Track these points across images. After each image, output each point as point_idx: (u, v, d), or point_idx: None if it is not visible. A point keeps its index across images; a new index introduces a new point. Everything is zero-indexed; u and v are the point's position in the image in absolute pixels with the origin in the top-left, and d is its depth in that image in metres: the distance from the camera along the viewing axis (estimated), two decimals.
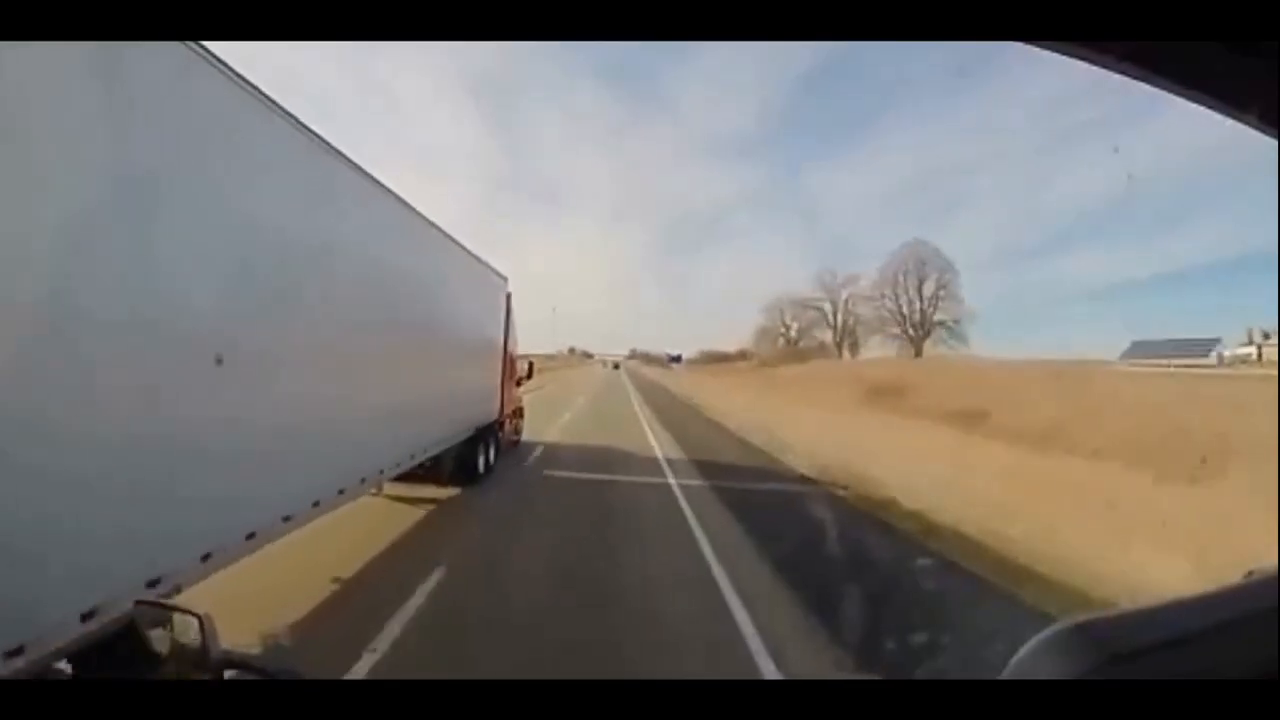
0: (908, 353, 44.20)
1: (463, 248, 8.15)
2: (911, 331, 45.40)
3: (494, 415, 9.92)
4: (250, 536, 3.53)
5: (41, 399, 2.29)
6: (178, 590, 2.98)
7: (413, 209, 6.27)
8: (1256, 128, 0.67)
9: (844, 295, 50.17)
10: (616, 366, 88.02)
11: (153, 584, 2.77)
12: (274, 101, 3.76)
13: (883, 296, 46.27)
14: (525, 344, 14.19)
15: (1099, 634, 0.50)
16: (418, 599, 5.07)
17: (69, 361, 2.41)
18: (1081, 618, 0.51)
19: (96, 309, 2.55)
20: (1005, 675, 0.51)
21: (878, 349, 47.30)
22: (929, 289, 44.99)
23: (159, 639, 1.22)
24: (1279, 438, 4.96)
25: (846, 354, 48.69)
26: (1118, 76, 0.68)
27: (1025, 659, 0.51)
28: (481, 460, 9.17)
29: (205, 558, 3.13)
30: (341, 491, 4.84)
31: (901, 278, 45.71)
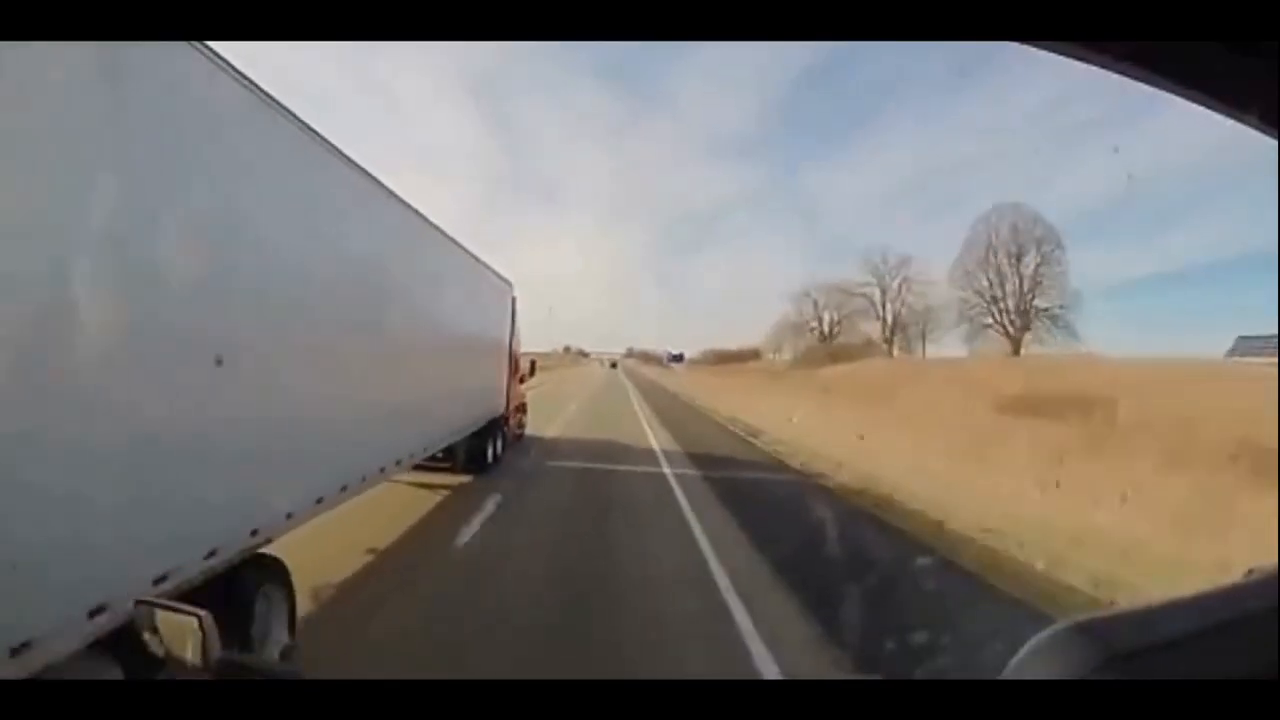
0: (992, 349, 32.73)
1: (475, 258, 9.05)
2: (1008, 322, 33.26)
3: (501, 410, 10.87)
4: (319, 501, 4.38)
5: (211, 396, 3.14)
6: (268, 541, 3.72)
7: (437, 228, 7.14)
8: (1257, 128, 0.67)
9: (897, 280, 40.00)
10: (614, 366, 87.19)
11: (254, 533, 3.56)
12: (340, 151, 4.58)
13: (965, 275, 34.43)
14: (522, 343, 14.51)
15: (1099, 634, 0.50)
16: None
17: (231, 362, 3.25)
18: (1081, 618, 0.51)
19: (244, 321, 3.43)
20: (1005, 675, 0.51)
21: (942, 346, 36.99)
22: (1028, 265, 33.01)
23: (158, 639, 1.21)
24: (1279, 438, 4.96)
25: (896, 350, 39.38)
26: (1118, 76, 0.69)
27: (1025, 659, 0.50)
28: (490, 451, 10.15)
29: (288, 516, 3.92)
30: (383, 469, 5.73)
31: (992, 254, 33.54)
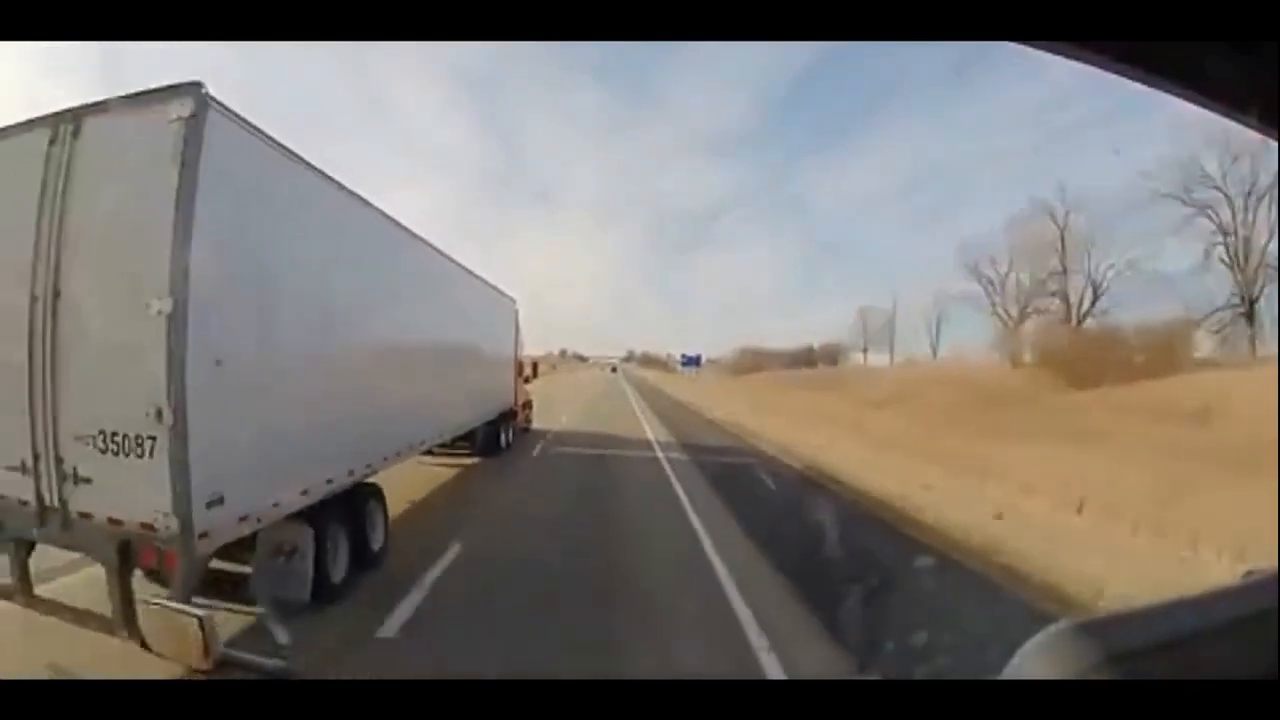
0: None
1: (489, 284, 11.78)
2: None
3: (510, 404, 13.49)
4: (398, 453, 6.74)
5: (367, 395, 5.87)
6: (375, 472, 5.93)
7: (465, 267, 9.86)
8: (1256, 128, 0.67)
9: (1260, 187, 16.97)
10: (614, 370, 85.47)
11: (368, 466, 5.72)
12: (433, 244, 8.19)
13: None
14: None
15: (1099, 634, 0.50)
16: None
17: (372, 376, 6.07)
18: (1081, 618, 0.51)
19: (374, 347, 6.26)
20: (1005, 675, 0.51)
21: None
22: None
23: (159, 639, 1.21)
24: (1279, 438, 4.95)
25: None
26: (1117, 76, 0.69)
27: (1025, 659, 0.50)
28: (503, 438, 12.79)
29: (385, 459, 6.22)
30: (441, 434, 8.49)
31: None
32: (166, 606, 1.23)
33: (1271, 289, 17.18)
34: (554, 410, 19.81)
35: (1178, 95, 0.68)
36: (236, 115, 3.76)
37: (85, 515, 3.52)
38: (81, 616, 3.58)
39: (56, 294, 3.52)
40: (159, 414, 3.30)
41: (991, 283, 23.65)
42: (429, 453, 8.93)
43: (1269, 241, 16.30)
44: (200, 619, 1.15)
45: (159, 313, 3.28)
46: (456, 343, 9.56)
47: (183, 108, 3.40)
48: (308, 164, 4.71)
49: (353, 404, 5.50)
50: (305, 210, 4.77)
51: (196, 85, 3.46)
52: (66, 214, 3.55)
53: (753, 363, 45.59)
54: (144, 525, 3.36)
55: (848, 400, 22.78)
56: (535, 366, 18.00)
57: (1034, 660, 0.50)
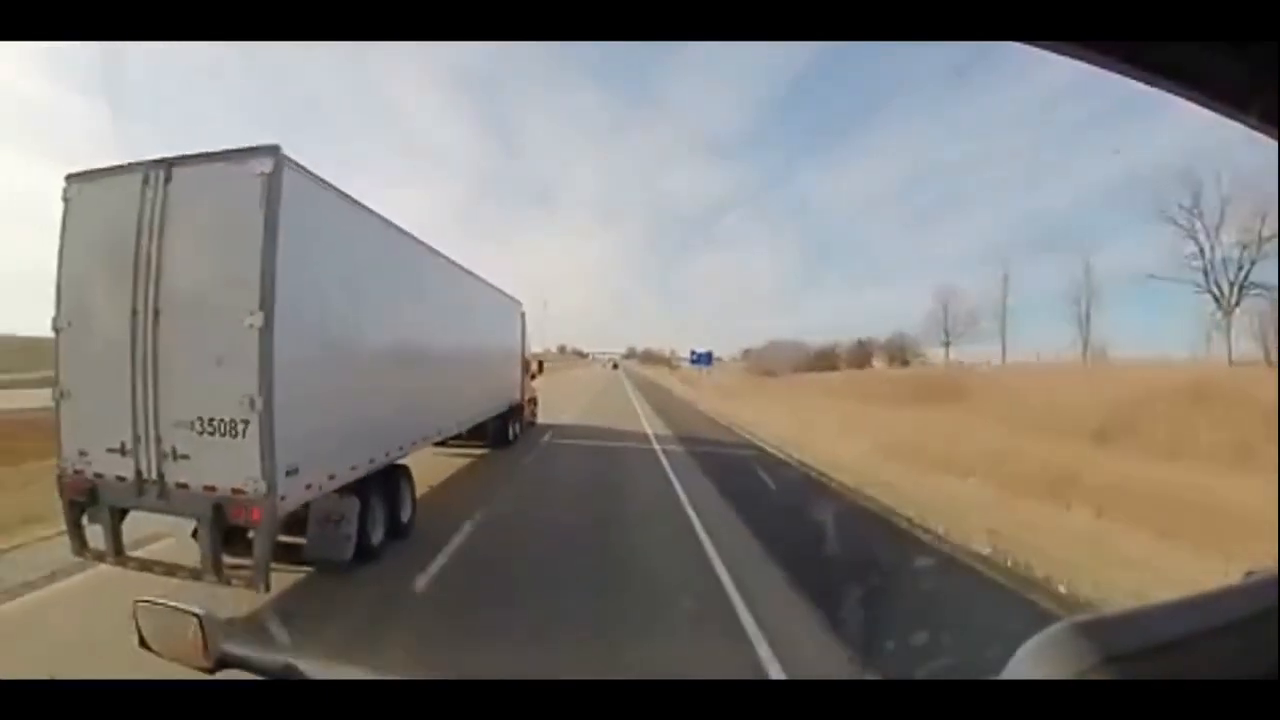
0: None
1: (499, 290, 13.06)
2: None
3: (518, 399, 14.80)
4: (425, 438, 7.96)
5: (401, 392, 6.96)
6: (406, 454, 7.05)
7: (480, 278, 11.27)
8: (1256, 128, 0.67)
9: None
10: (615, 367, 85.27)
11: (400, 448, 6.84)
12: (467, 269, 10.28)
13: None
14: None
15: (1099, 634, 0.50)
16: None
17: (407, 378, 7.33)
18: (1081, 618, 0.51)
19: (410, 354, 7.56)
20: (1005, 675, 0.51)
21: None
22: None
23: (159, 639, 1.21)
24: (1279, 437, 4.94)
25: None
26: (1117, 76, 0.68)
27: (1025, 659, 0.50)
28: (511, 430, 13.88)
29: (414, 443, 7.37)
30: (460, 423, 9.69)
31: None
32: (167, 606, 1.23)
33: None
34: (556, 412, 19.61)
35: (1178, 95, 0.68)
36: (303, 169, 4.72)
37: (182, 486, 4.41)
38: (171, 569, 4.40)
39: (156, 311, 4.41)
40: (251, 403, 4.27)
41: (1198, 245, 15.38)
42: (443, 444, 9.79)
43: None
44: (200, 618, 1.14)
45: (251, 326, 4.26)
46: (472, 346, 10.87)
47: (264, 165, 4.30)
48: (356, 202, 5.74)
49: (390, 398, 6.57)
50: (354, 240, 5.84)
51: (275, 147, 4.37)
52: (164, 245, 4.40)
53: (780, 359, 35.29)
54: (235, 490, 4.30)
55: (999, 424, 12.35)
56: (541, 365, 19.47)
57: (1034, 660, 0.50)
